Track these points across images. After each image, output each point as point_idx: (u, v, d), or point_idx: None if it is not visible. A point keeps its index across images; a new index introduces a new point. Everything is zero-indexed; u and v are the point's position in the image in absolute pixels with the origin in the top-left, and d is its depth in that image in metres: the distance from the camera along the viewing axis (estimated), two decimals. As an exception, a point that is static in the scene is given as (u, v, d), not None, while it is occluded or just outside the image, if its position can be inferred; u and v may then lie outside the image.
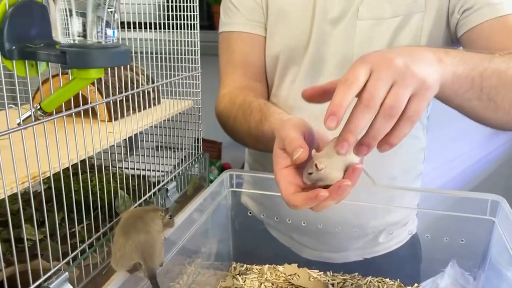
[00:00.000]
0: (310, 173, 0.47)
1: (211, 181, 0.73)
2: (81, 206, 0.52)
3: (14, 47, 0.37)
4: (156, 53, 0.74)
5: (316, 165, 0.46)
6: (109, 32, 0.39)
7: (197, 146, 0.79)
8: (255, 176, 0.79)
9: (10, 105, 0.64)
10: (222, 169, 1.80)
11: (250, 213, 0.80)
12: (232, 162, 1.86)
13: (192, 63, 0.76)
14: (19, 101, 0.47)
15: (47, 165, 0.44)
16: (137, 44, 0.65)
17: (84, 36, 0.37)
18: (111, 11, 0.38)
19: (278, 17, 0.82)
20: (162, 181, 0.69)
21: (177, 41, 0.75)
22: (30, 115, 0.41)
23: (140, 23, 0.74)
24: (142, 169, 0.72)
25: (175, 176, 0.70)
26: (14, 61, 0.38)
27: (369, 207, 0.74)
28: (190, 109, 0.79)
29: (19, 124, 0.41)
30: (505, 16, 0.71)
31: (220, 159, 1.83)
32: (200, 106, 0.79)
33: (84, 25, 0.37)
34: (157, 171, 0.74)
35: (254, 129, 0.71)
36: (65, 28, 0.37)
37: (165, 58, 0.75)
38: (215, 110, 0.81)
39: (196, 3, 0.75)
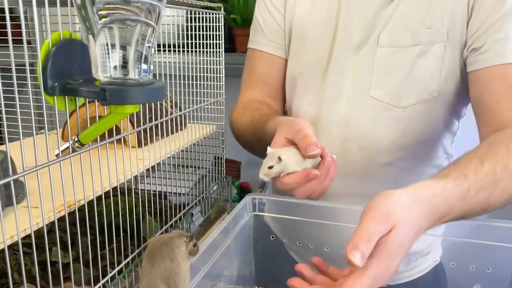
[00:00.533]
0: (271, 167, 0.52)
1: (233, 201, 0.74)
2: (110, 229, 0.54)
3: (56, 84, 0.39)
4: (180, 74, 0.76)
5: (279, 157, 0.51)
6: (145, 67, 0.40)
7: (221, 170, 0.80)
8: (277, 200, 0.80)
9: (41, 131, 0.66)
10: (241, 188, 1.80)
11: (273, 237, 0.81)
12: (251, 181, 1.86)
13: (216, 89, 0.78)
14: (46, 129, 0.49)
15: (81, 193, 0.46)
16: (161, 66, 0.68)
17: (122, 72, 0.39)
18: (149, 46, 0.40)
19: (300, 40, 0.84)
20: (187, 204, 0.70)
21: (201, 64, 0.77)
22: (68, 147, 0.43)
23: (164, 45, 0.76)
24: (164, 189, 0.73)
25: (199, 201, 0.72)
26: (55, 96, 0.40)
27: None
28: (214, 133, 0.81)
29: (57, 155, 0.43)
30: (508, 64, 0.70)
31: (239, 179, 1.84)
32: (224, 131, 0.81)
33: (123, 61, 0.39)
34: (180, 194, 0.76)
35: (259, 128, 0.74)
36: (104, 65, 0.39)
37: (190, 83, 0.77)
38: (229, 117, 0.84)
39: (221, 23, 0.77)
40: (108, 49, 0.38)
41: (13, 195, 0.39)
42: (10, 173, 0.39)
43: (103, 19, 0.37)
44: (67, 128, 0.47)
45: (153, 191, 0.73)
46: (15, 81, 0.36)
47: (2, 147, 0.39)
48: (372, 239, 0.45)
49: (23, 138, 0.37)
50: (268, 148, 0.53)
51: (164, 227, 0.62)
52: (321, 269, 0.56)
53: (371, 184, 0.82)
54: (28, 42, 0.36)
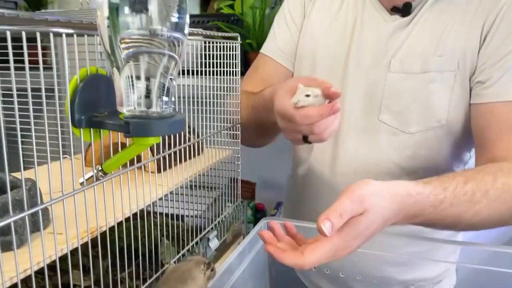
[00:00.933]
0: (308, 95, 0.61)
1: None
2: (128, 252, 0.55)
3: (82, 117, 0.41)
4: (197, 100, 0.78)
5: (309, 94, 0.60)
6: (167, 99, 0.42)
7: (236, 193, 0.82)
8: (295, 225, 0.80)
9: (64, 156, 0.69)
10: (255, 209, 1.81)
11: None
12: (265, 202, 1.87)
13: (232, 114, 0.80)
14: (72, 154, 0.51)
15: (103, 219, 0.47)
16: (178, 89, 0.70)
17: (145, 105, 0.41)
18: (171, 79, 0.42)
19: (311, 59, 0.86)
20: (202, 226, 0.71)
21: (218, 90, 0.79)
22: (92, 176, 0.45)
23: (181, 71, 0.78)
24: (180, 211, 0.74)
25: (215, 225, 0.73)
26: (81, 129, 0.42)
27: (394, 259, 0.73)
28: (230, 157, 0.82)
29: (82, 184, 0.45)
30: (509, 102, 0.72)
31: (254, 200, 1.84)
32: (239, 155, 0.83)
33: (146, 93, 0.41)
34: (196, 216, 0.77)
35: (255, 100, 0.80)
36: (128, 98, 0.41)
37: (206, 109, 0.79)
38: None
39: (238, 51, 0.79)
40: (132, 82, 0.40)
41: (40, 222, 0.40)
42: (39, 201, 0.41)
43: (128, 52, 0.39)
44: (91, 155, 0.49)
45: (170, 214, 0.75)
46: (44, 106, 0.38)
47: (28, 173, 0.41)
48: (344, 215, 0.49)
49: (39, 164, 0.39)
50: (299, 84, 0.63)
51: (181, 252, 0.63)
52: (290, 232, 0.60)
53: None
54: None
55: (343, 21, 0.86)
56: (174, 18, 0.39)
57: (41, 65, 0.37)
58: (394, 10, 0.80)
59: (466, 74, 0.76)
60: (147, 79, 0.40)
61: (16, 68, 0.35)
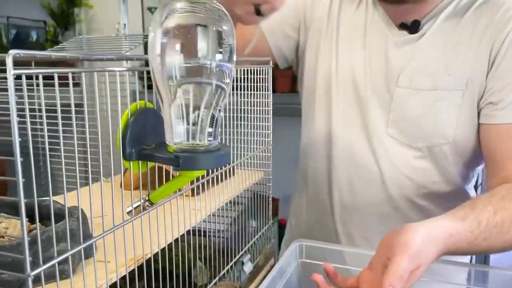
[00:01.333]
0: None
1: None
2: (163, 274, 0.56)
3: (133, 150, 0.43)
4: (226, 120, 0.79)
5: None
6: (213, 130, 0.43)
7: (268, 214, 0.82)
8: (326, 247, 0.80)
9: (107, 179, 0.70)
10: (279, 225, 1.81)
11: (320, 284, 0.81)
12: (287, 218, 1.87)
13: (264, 137, 0.81)
14: (112, 175, 0.52)
15: (148, 246, 0.49)
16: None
17: (194, 137, 0.42)
18: (219, 110, 0.43)
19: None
20: (233, 247, 0.72)
21: (249, 113, 0.80)
22: (139, 205, 0.46)
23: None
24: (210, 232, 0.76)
25: (248, 248, 0.74)
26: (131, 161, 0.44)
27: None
28: (262, 180, 0.83)
29: (129, 213, 0.46)
30: None
31: (277, 216, 1.85)
32: (270, 177, 0.83)
33: (194, 126, 0.42)
34: (227, 237, 0.78)
35: None
36: (176, 131, 0.42)
37: (238, 130, 0.81)
38: None
39: (269, 75, 0.80)
40: (180, 115, 0.41)
41: (94, 251, 0.42)
42: (91, 232, 0.42)
43: (178, 86, 0.40)
44: (128, 179, 0.50)
45: (202, 234, 0.76)
46: (87, 128, 0.39)
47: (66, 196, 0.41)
48: (404, 276, 0.50)
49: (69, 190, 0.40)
50: None
51: (217, 277, 0.64)
52: (331, 276, 0.62)
53: (383, 218, 0.86)
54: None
55: (344, 24, 0.87)
56: (223, 49, 0.40)
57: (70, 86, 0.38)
58: (402, 26, 0.82)
59: (474, 95, 0.77)
60: (196, 111, 0.41)
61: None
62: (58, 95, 0.36)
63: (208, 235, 0.78)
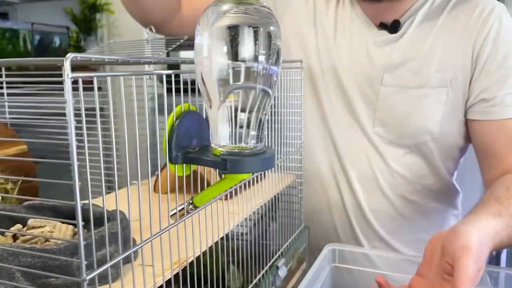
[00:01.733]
0: None
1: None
2: (198, 279, 0.56)
3: (179, 154, 0.43)
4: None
5: None
6: (258, 133, 0.43)
7: (299, 219, 0.82)
8: (358, 251, 0.80)
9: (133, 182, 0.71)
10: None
11: (353, 288, 0.80)
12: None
13: (295, 139, 0.81)
14: (139, 179, 0.52)
15: (190, 250, 0.48)
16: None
17: (240, 140, 0.42)
18: (265, 114, 0.42)
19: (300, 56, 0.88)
20: (266, 251, 0.71)
21: (281, 115, 0.80)
22: (183, 208, 0.46)
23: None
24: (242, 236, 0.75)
25: (282, 253, 0.73)
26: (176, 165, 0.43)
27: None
28: (292, 183, 0.82)
29: (172, 216, 0.46)
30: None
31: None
32: (302, 180, 0.83)
33: (241, 129, 0.41)
34: (259, 241, 0.77)
35: None
36: (223, 133, 0.42)
37: (268, 133, 0.80)
38: None
39: (302, 77, 0.80)
40: (227, 118, 0.41)
41: (141, 257, 0.42)
42: (131, 235, 0.42)
43: (224, 89, 0.40)
44: (163, 180, 0.50)
45: (236, 239, 0.76)
46: (125, 131, 0.39)
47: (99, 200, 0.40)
48: (475, 280, 0.50)
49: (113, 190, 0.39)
50: None
51: (251, 284, 0.64)
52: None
53: (379, 217, 0.88)
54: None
55: (326, 25, 0.88)
56: (269, 52, 0.40)
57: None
58: (382, 26, 0.84)
59: (458, 92, 0.80)
60: (244, 113, 0.41)
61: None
62: (97, 100, 0.35)
63: (241, 239, 0.78)
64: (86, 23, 2.21)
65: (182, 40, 0.76)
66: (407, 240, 0.90)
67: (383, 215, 0.88)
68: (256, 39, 0.38)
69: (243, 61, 0.38)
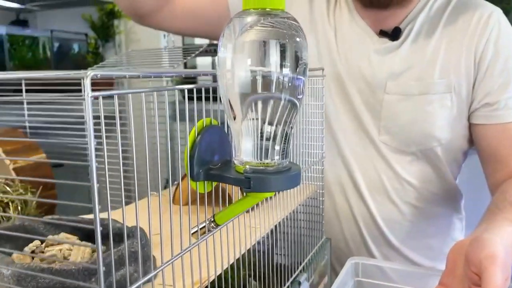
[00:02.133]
0: None
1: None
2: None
3: (200, 170, 0.41)
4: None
5: None
6: (283, 147, 0.41)
7: (321, 231, 0.79)
8: (382, 266, 0.77)
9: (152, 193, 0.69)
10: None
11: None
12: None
13: (316, 149, 0.78)
14: (160, 190, 0.50)
15: (211, 269, 0.47)
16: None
17: (264, 156, 0.40)
18: (291, 127, 0.40)
19: None
20: (291, 267, 0.69)
21: (303, 124, 0.78)
22: (204, 226, 0.44)
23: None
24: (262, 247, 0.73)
25: (304, 267, 0.71)
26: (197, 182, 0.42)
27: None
28: (314, 194, 0.80)
29: (194, 234, 0.44)
30: None
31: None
32: (323, 191, 0.80)
33: (266, 144, 0.39)
34: (280, 254, 0.75)
35: None
36: (245, 150, 0.40)
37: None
38: None
39: (323, 85, 0.78)
40: (252, 132, 0.39)
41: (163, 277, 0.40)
42: (150, 253, 0.40)
43: (248, 102, 0.38)
44: (180, 193, 0.48)
45: (257, 251, 0.74)
46: (146, 141, 0.38)
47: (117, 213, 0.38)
48: None
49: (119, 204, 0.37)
50: None
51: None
52: None
53: (391, 224, 0.87)
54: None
55: (322, 31, 0.86)
56: (296, 64, 0.38)
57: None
58: (382, 33, 0.82)
59: (461, 96, 0.80)
60: (269, 127, 0.39)
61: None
62: (118, 113, 0.34)
63: (262, 252, 0.76)
64: (104, 30, 2.23)
65: (201, 49, 0.75)
66: (416, 246, 0.90)
67: (392, 222, 0.87)
68: (282, 52, 0.36)
69: (267, 73, 0.36)
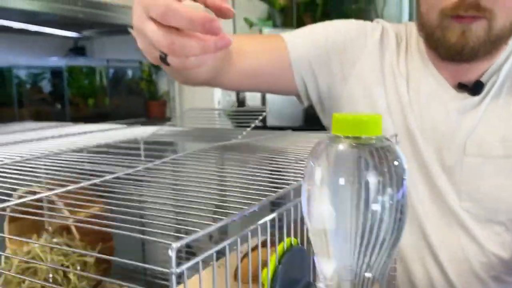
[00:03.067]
0: None
1: None
2: None
3: (282, 301, 0.38)
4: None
5: None
6: (370, 275, 0.37)
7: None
8: None
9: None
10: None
11: None
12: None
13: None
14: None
15: None
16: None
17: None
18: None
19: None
20: None
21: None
22: None
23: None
24: None
25: None
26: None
27: None
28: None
29: None
30: None
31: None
32: (395, 274, 0.75)
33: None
34: None
35: None
36: (327, 275, 0.37)
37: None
38: None
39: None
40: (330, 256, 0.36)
41: None
42: None
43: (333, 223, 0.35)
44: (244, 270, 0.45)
45: None
46: None
47: None
48: None
49: None
50: None
51: None
52: None
53: None
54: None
55: (392, 80, 0.78)
56: (395, 187, 0.34)
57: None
58: (461, 87, 0.74)
59: None
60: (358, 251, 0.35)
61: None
62: None
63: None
64: (158, 57, 2.27)
65: (264, 113, 0.72)
66: None
67: None
68: (378, 181, 0.32)
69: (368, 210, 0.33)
